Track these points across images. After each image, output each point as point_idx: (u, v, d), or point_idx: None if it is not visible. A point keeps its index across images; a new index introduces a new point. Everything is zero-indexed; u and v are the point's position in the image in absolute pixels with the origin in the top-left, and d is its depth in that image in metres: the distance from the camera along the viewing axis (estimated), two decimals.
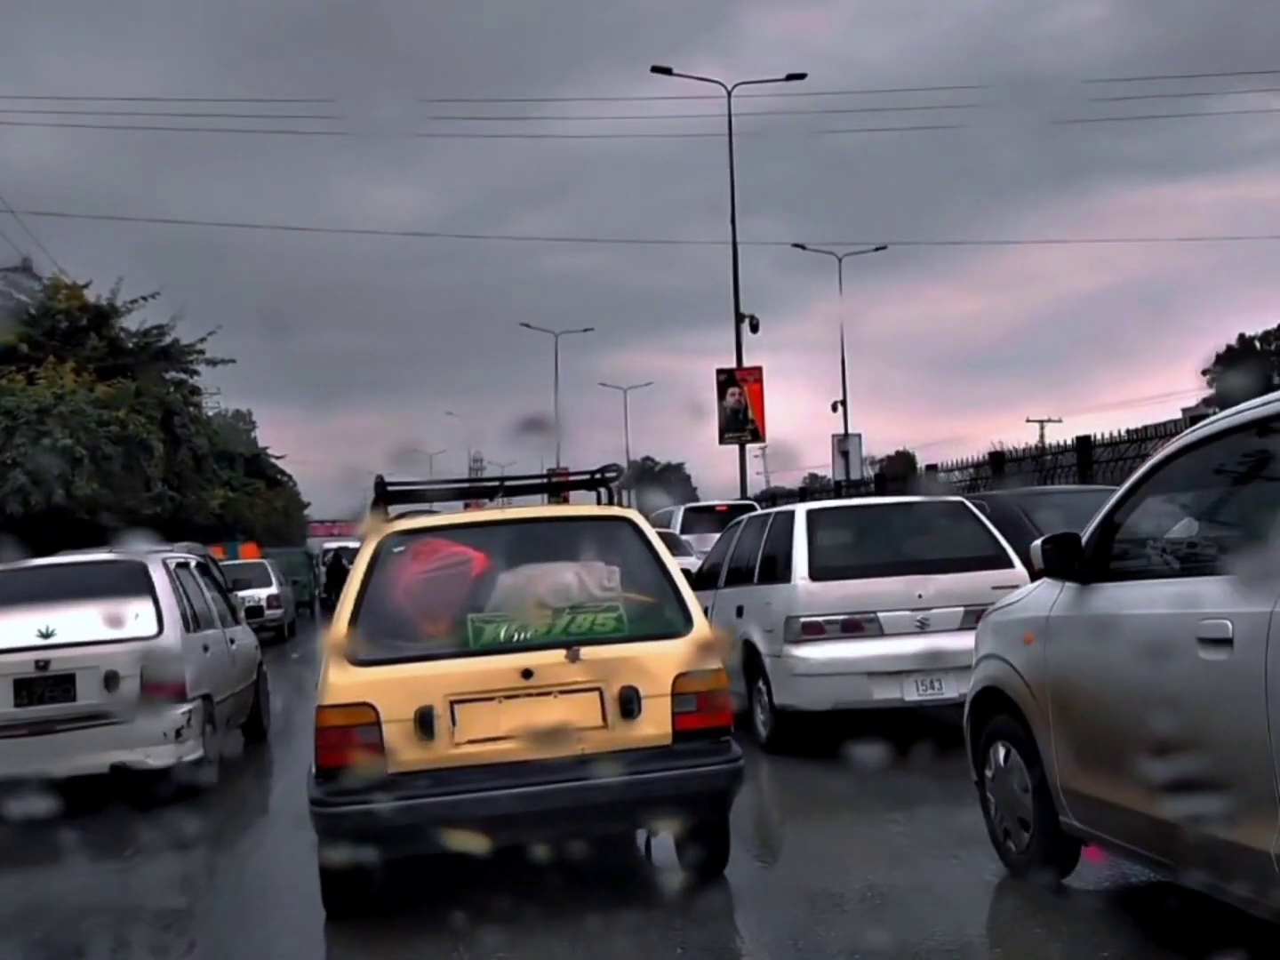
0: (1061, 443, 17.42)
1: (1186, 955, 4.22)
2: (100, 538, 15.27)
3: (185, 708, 8.40)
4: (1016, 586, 6.13)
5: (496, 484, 7.04)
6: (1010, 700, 5.33)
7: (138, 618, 8.30)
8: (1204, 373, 44.99)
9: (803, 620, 8.70)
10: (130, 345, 28.42)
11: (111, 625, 8.14)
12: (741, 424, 33.54)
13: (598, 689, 5.40)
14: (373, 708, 5.25)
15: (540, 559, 5.91)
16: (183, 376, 30.60)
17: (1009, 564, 8.71)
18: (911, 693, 8.47)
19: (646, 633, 5.60)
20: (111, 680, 8.02)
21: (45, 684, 7.90)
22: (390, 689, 5.31)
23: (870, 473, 30.79)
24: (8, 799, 6.16)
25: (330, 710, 5.30)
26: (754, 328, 32.70)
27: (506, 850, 5.23)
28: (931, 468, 20.25)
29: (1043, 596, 5.23)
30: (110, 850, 6.94)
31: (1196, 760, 3.99)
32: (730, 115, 31.89)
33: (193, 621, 9.05)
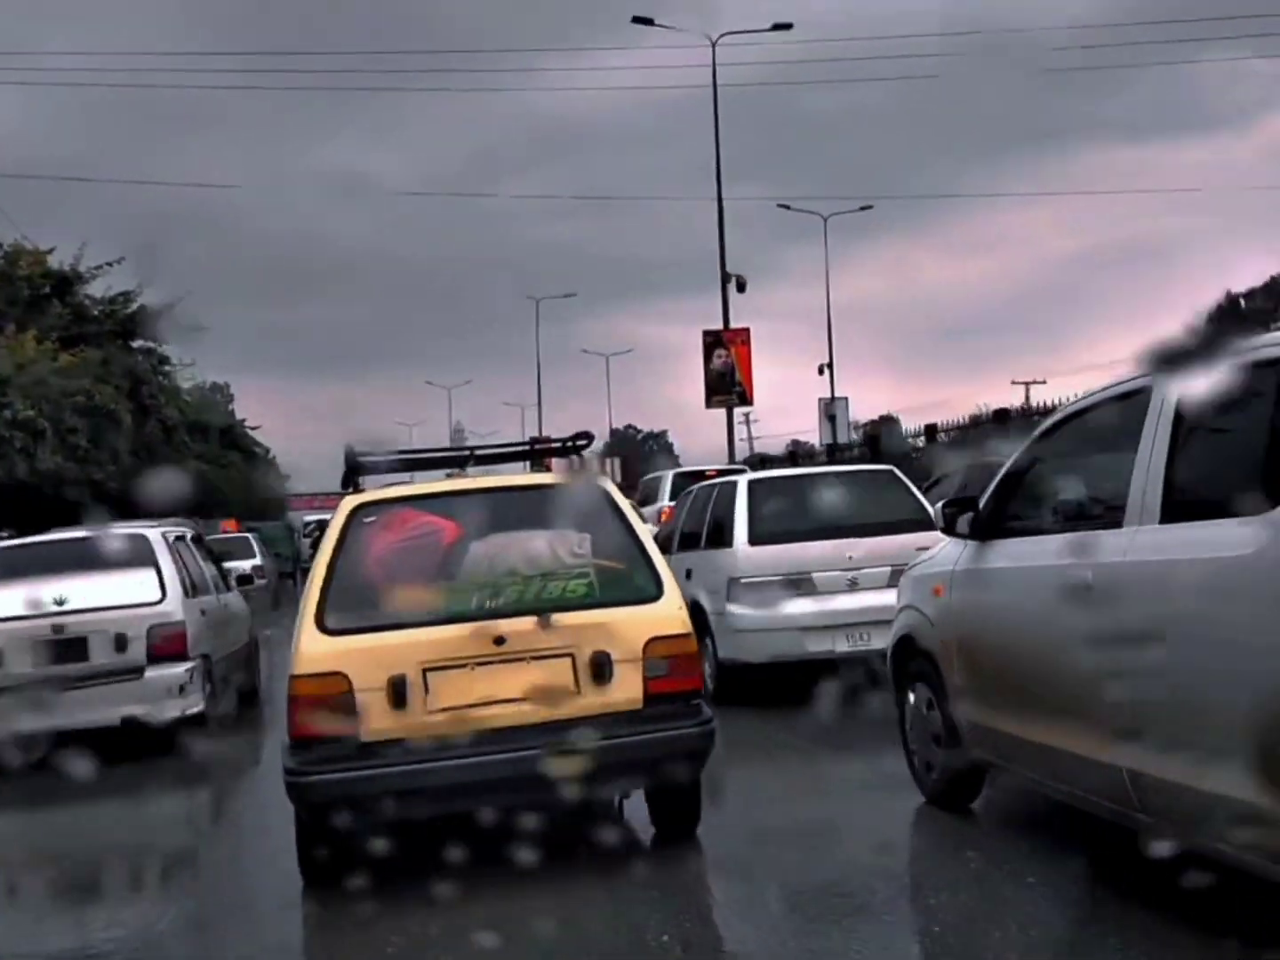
0: (1047, 403, 16.63)
1: (1083, 866, 4.82)
2: (69, 513, 15.71)
3: (187, 666, 9.19)
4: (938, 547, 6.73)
5: (467, 452, 7.09)
6: (923, 647, 5.97)
7: (142, 585, 9.12)
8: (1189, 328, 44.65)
9: (743, 581, 9.45)
10: (95, 313, 27.44)
11: (119, 592, 8.99)
12: (729, 386, 32.90)
13: (570, 655, 5.40)
14: (345, 677, 5.22)
15: (511, 527, 5.90)
16: (151, 345, 29.43)
17: (932, 526, 9.23)
18: (842, 645, 9.22)
19: (617, 599, 5.61)
20: (120, 642, 8.87)
21: (61, 646, 8.73)
22: (362, 658, 5.27)
23: (856, 437, 29.53)
24: (31, 749, 6.68)
25: (303, 679, 5.29)
26: (740, 287, 31.80)
27: (481, 814, 5.21)
28: (931, 428, 19.40)
29: (951, 552, 5.86)
30: (122, 794, 7.52)
31: (1068, 691, 4.63)
32: (715, 68, 30.96)
33: (191, 589, 9.82)
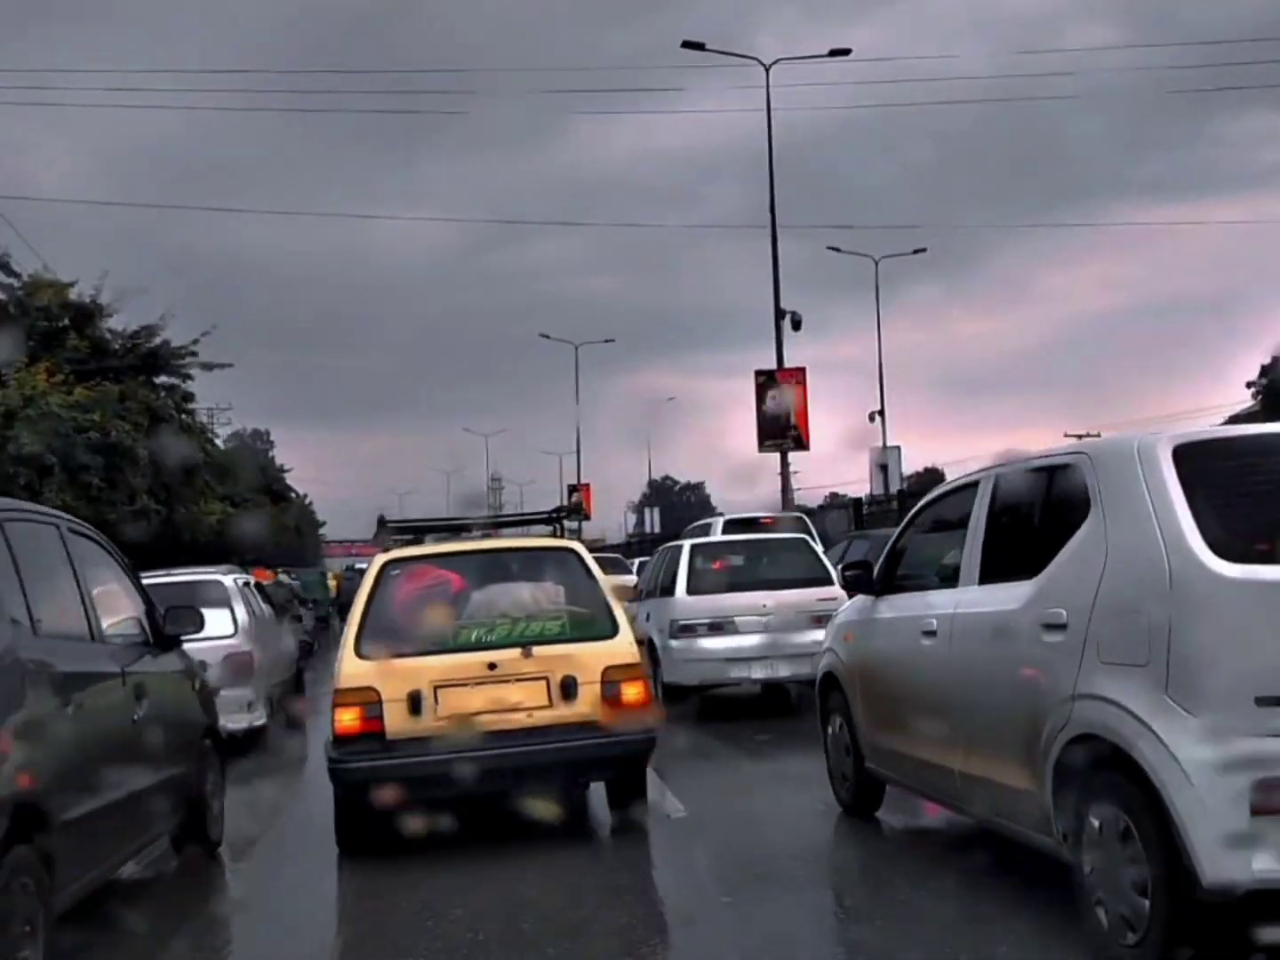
0: None
1: (959, 873, 6.10)
2: None
3: (252, 688, 11.21)
4: (835, 599, 8.13)
5: (471, 521, 8.82)
6: (839, 682, 7.32)
7: (219, 621, 10.83)
8: (1248, 385, 41.82)
9: (680, 623, 12.15)
10: (115, 347, 25.91)
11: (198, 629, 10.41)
12: (783, 429, 30.20)
13: (545, 678, 6.97)
14: (375, 690, 6.83)
15: (503, 580, 7.60)
16: (175, 381, 27.73)
17: (830, 583, 11.86)
18: (757, 673, 11.93)
19: (583, 636, 7.18)
20: (202, 667, 10.41)
21: None
22: (388, 676, 6.84)
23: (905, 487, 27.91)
24: None
25: (344, 692, 6.89)
26: (796, 325, 29.32)
27: (475, 796, 6.98)
28: None
29: (859, 605, 7.22)
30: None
31: (922, 713, 5.98)
32: (769, 93, 28.89)
33: (256, 626, 11.72)
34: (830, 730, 7.53)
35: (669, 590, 12.61)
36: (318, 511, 71.97)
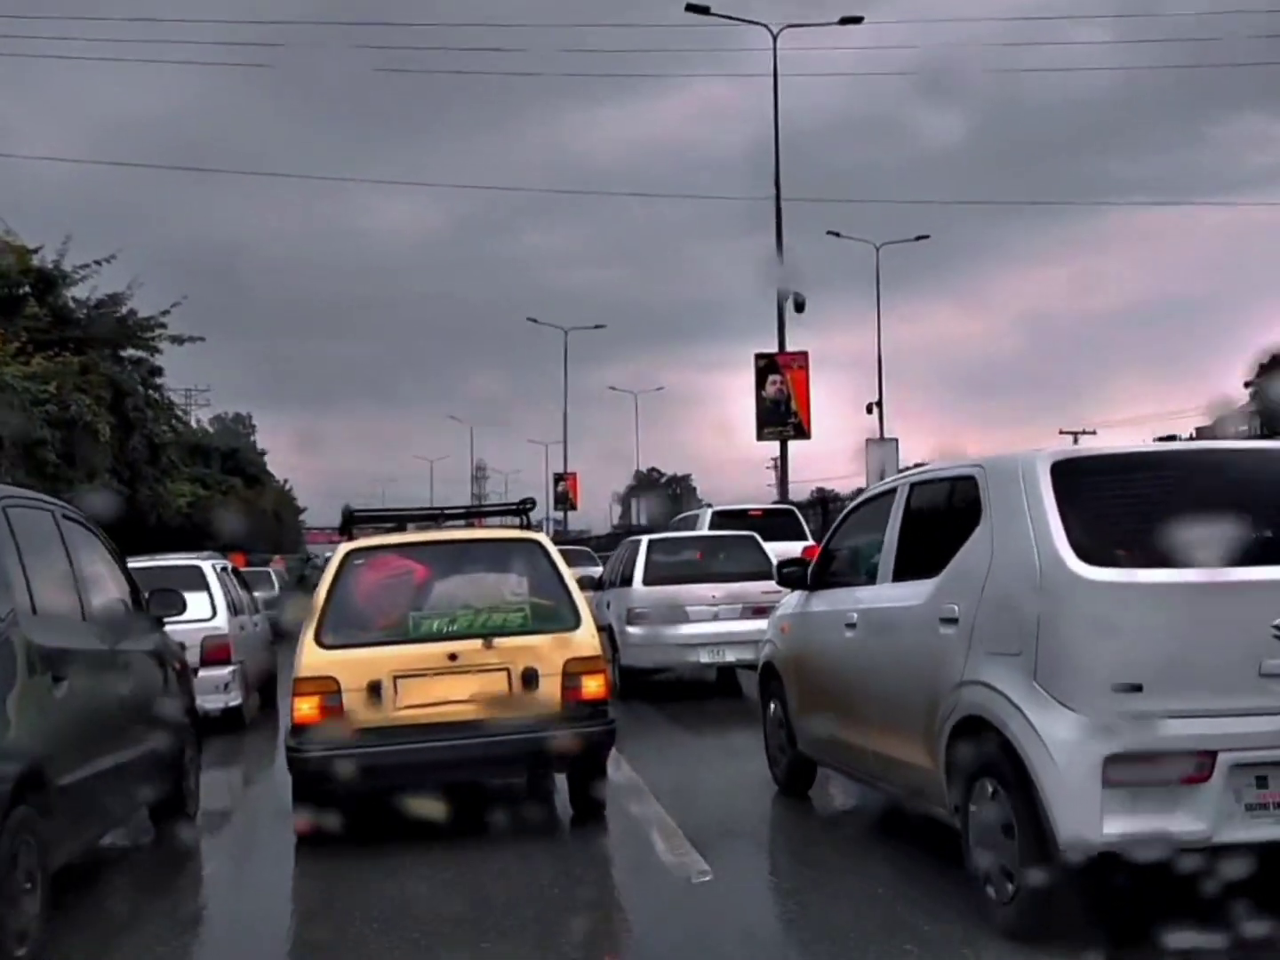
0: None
1: (883, 846, 6.66)
2: None
3: (230, 669, 11.82)
4: (777, 592, 8.68)
5: (439, 511, 8.69)
6: (777, 670, 7.87)
7: (197, 605, 11.22)
8: (1246, 384, 41.05)
9: (636, 611, 13.25)
10: (79, 316, 24.20)
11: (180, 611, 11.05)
12: (783, 417, 28.68)
13: (506, 669, 6.92)
14: (335, 680, 6.76)
15: (467, 571, 7.54)
16: (142, 354, 26.05)
17: (771, 577, 12.38)
18: (704, 657, 13.13)
19: (545, 628, 7.10)
20: (181, 649, 11.03)
21: None
22: (348, 666, 6.80)
23: None
24: None
25: (303, 680, 6.81)
26: (799, 306, 27.75)
27: (434, 787, 6.95)
28: None
29: (796, 599, 7.77)
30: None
31: (844, 699, 6.54)
32: (775, 59, 28.34)
33: (232, 610, 12.25)
34: (769, 715, 8.09)
35: (628, 581, 13.68)
36: (299, 498, 71.73)
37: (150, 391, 26.35)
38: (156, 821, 7.43)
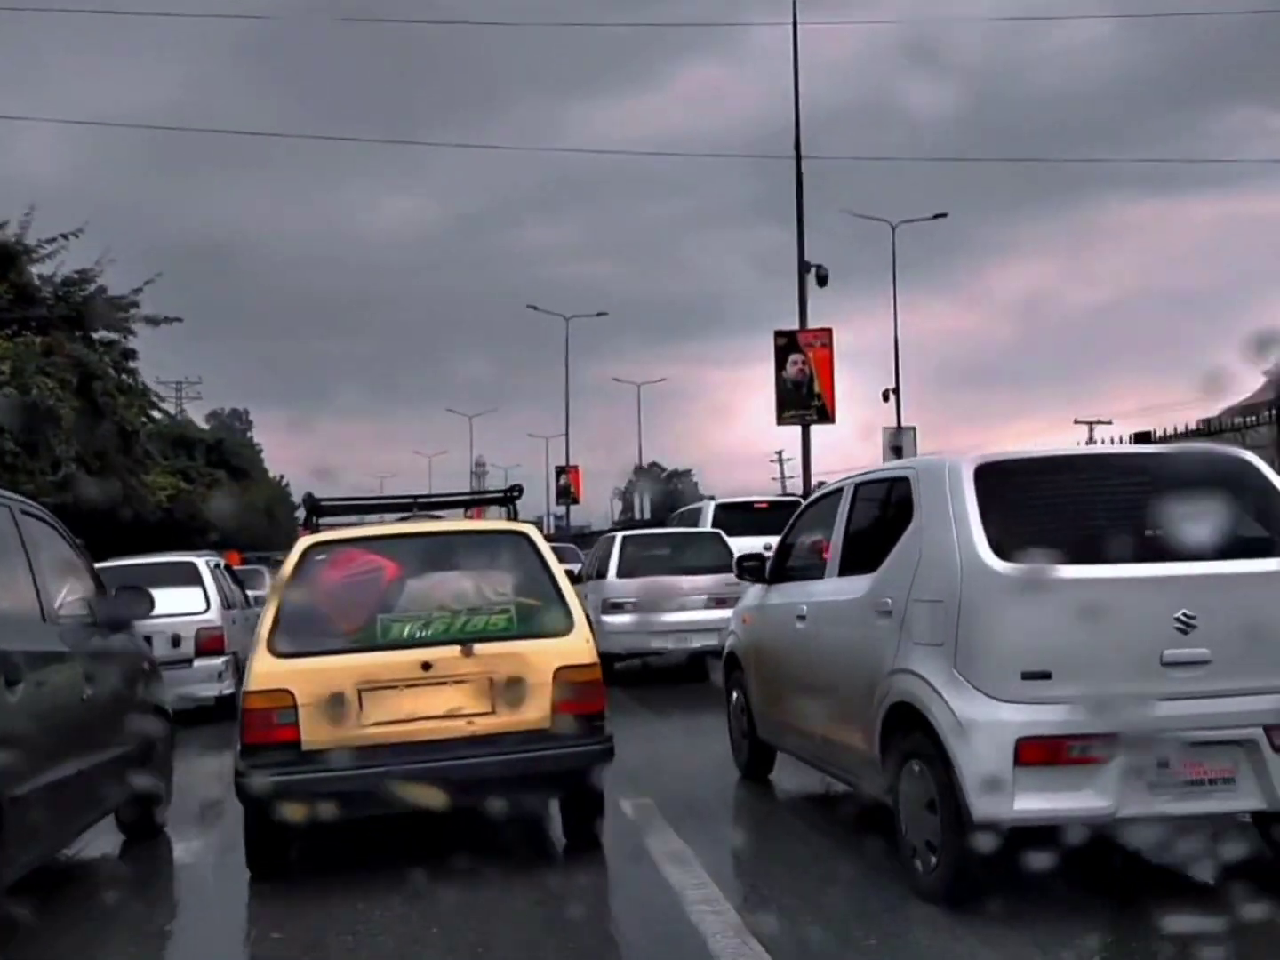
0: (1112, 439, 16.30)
1: (830, 825, 7.07)
2: None
3: (223, 659, 12.55)
4: (739, 585, 9.06)
5: (411, 500, 7.93)
6: (739, 660, 8.25)
7: (192, 599, 12.25)
8: (1265, 373, 43.10)
9: (610, 601, 14.40)
10: (44, 295, 22.65)
11: (175, 603, 11.72)
12: (806, 399, 26.55)
13: (488, 679, 6.02)
14: (290, 692, 5.85)
15: (445, 568, 6.63)
16: (114, 337, 24.39)
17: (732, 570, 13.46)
18: (671, 644, 14.25)
19: (533, 632, 6.25)
20: (176, 640, 12.02)
21: None
22: (306, 677, 5.89)
23: None
24: None
25: (254, 694, 5.90)
26: (821, 280, 26.02)
27: (403, 816, 6.17)
28: None
29: (757, 592, 8.14)
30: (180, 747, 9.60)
31: (797, 686, 6.92)
32: (795, 16, 26.76)
33: (226, 603, 12.90)
34: (732, 703, 8.47)
35: (603, 573, 14.87)
36: (296, 494, 71.90)
37: (123, 376, 24.49)
38: (124, 828, 7.23)
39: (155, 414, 29.03)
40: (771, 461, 46.92)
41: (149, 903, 6.18)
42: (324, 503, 7.59)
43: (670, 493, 75.47)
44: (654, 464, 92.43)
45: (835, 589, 6.44)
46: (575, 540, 33.52)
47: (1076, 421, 38.23)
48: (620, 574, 14.54)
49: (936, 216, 39.14)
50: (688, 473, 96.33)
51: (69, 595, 6.47)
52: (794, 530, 7.72)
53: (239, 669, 12.70)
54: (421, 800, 5.73)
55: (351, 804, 5.90)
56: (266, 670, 5.98)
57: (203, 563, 13.16)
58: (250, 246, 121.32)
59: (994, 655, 4.97)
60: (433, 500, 8.24)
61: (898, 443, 27.98)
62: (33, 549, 5.94)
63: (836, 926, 5.08)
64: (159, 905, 6.27)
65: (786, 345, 26.65)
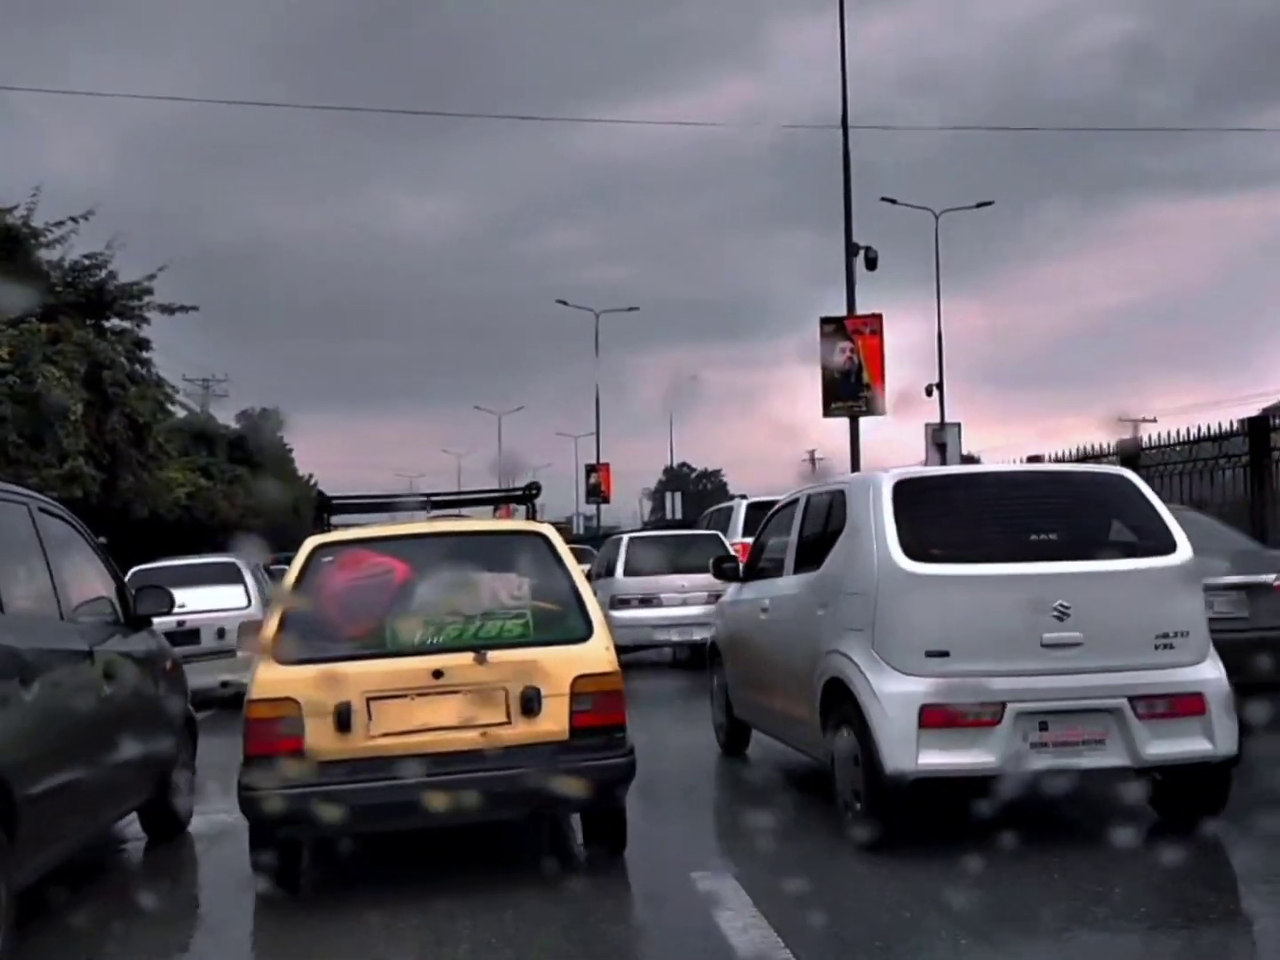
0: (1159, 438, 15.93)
1: (789, 789, 8.12)
2: None
3: None
4: None
5: (425, 498, 7.79)
6: (719, 648, 9.34)
7: (235, 595, 13.58)
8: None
9: (618, 597, 15.83)
10: (53, 280, 21.49)
11: (220, 599, 13.25)
12: (854, 389, 24.66)
13: (503, 689, 5.76)
14: (295, 702, 5.61)
15: (458, 570, 6.33)
16: (126, 325, 23.04)
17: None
18: (674, 636, 15.85)
19: (550, 638, 5.98)
20: (221, 633, 13.32)
21: (183, 634, 12.62)
22: (312, 685, 5.64)
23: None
24: None
25: (257, 704, 5.67)
26: (870, 264, 24.42)
27: (414, 832, 6.15)
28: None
29: (734, 589, 9.23)
30: (219, 730, 10.55)
31: (762, 669, 8.01)
32: None
33: (264, 600, 13.92)
34: (714, 687, 9.56)
35: (611, 572, 16.48)
36: (325, 493, 71.30)
37: (136, 366, 23.15)
38: (146, 826, 7.24)
39: (173, 408, 27.77)
40: (803, 460, 46.92)
41: (167, 909, 6.01)
42: (335, 500, 7.49)
43: (703, 492, 75.58)
44: (683, 464, 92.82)
45: (789, 584, 7.52)
46: (591, 542, 34.17)
47: (1120, 420, 37.76)
48: (627, 572, 16.06)
49: (981, 205, 37.88)
50: (717, 472, 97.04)
51: (88, 593, 6.45)
52: (763, 534, 8.81)
53: None
54: (433, 816, 5.58)
55: (360, 818, 5.68)
56: (271, 678, 5.76)
57: (243, 563, 14.63)
58: (282, 249, 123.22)
59: (902, 638, 6.05)
60: (447, 498, 8.04)
61: (942, 439, 26.51)
62: (50, 547, 5.96)
63: (782, 864, 6.15)
64: (179, 909, 6.15)
65: (834, 332, 24.68)
